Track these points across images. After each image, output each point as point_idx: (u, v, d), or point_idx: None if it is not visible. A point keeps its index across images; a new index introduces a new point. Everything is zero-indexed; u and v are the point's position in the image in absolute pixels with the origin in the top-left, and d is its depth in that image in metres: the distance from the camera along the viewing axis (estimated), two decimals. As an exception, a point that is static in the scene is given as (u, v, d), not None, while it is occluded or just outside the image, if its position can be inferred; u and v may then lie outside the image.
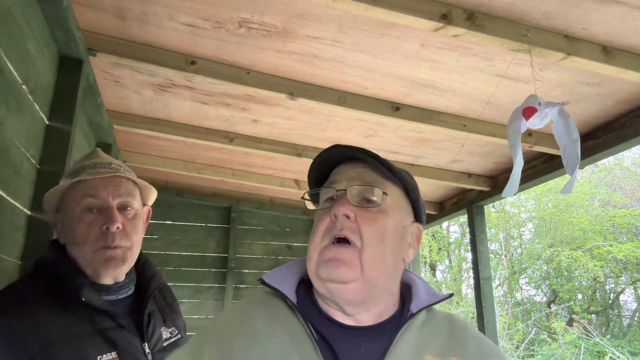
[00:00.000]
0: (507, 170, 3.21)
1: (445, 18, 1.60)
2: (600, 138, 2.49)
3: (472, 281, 4.61)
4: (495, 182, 3.35)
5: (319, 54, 1.97)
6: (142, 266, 1.23)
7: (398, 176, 0.81)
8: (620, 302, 12.95)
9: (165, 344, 1.16)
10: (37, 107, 1.62)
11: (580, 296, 12.89)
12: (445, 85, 2.18)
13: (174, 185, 4.04)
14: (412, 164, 3.21)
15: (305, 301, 0.80)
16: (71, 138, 1.77)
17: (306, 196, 0.87)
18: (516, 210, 13.73)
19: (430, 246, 13.07)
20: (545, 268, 12.97)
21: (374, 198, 0.78)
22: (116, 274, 1.12)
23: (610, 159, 13.17)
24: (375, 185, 0.79)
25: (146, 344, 1.10)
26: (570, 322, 11.36)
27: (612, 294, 12.95)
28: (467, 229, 6.89)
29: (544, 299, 13.23)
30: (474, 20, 1.63)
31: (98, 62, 2.04)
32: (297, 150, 2.95)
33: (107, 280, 1.12)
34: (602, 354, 9.85)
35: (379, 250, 0.75)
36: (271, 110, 2.51)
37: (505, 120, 2.48)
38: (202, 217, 4.21)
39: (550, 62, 1.87)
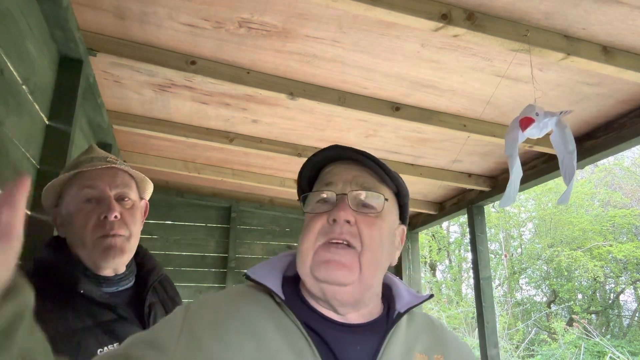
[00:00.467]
0: (507, 170, 3.20)
1: (445, 18, 1.60)
2: (600, 138, 2.49)
3: (472, 281, 4.60)
4: (495, 182, 3.35)
5: (319, 54, 1.96)
6: (142, 259, 1.25)
7: (395, 181, 0.81)
8: (620, 302, 12.96)
9: None
10: (37, 107, 1.62)
11: (580, 296, 12.89)
12: (445, 85, 2.18)
13: (174, 185, 4.04)
14: (412, 164, 3.21)
15: (293, 297, 0.78)
16: (71, 138, 1.77)
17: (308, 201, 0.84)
18: (516, 210, 13.73)
19: (430, 246, 13.07)
20: (545, 268, 12.98)
21: (374, 204, 0.78)
22: (115, 264, 1.13)
23: (610, 159, 13.17)
24: (376, 190, 0.79)
25: None
26: (570, 322, 11.36)
27: (612, 294, 12.95)
28: (467, 229, 6.89)
29: (544, 299, 13.23)
30: (474, 20, 1.63)
31: (98, 62, 2.04)
32: (297, 150, 2.95)
33: (107, 271, 1.13)
34: (602, 354, 9.85)
35: (377, 253, 0.76)
36: (271, 110, 2.51)
37: (505, 120, 2.49)
38: (202, 217, 4.21)
39: (550, 62, 1.87)
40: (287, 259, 0.85)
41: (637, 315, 12.39)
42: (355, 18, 1.72)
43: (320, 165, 0.84)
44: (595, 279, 11.95)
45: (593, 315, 12.36)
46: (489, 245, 4.27)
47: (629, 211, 12.04)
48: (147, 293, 1.17)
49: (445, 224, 13.66)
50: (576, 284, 12.61)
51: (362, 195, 0.78)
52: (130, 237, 1.15)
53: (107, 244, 1.10)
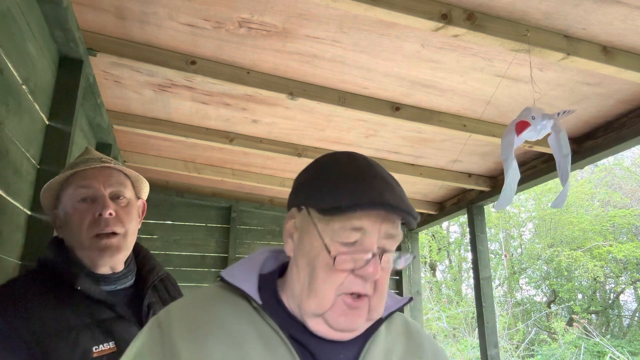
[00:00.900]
0: (507, 170, 3.21)
1: (445, 18, 1.60)
2: (600, 138, 2.49)
3: (472, 281, 4.60)
4: (495, 182, 3.35)
5: (319, 54, 1.97)
6: (142, 258, 1.26)
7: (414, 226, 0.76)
8: (620, 302, 12.96)
9: None
10: (37, 107, 1.62)
11: (580, 296, 12.89)
12: (445, 85, 2.18)
13: (174, 185, 4.04)
14: (412, 164, 3.21)
15: (270, 302, 0.75)
16: (71, 138, 1.77)
17: (335, 248, 0.70)
18: (516, 210, 13.73)
19: (430, 246, 13.07)
20: (545, 268, 12.98)
21: (399, 264, 0.74)
22: (113, 263, 1.14)
23: (610, 159, 13.17)
24: (399, 240, 0.74)
25: None
26: (570, 322, 11.36)
27: (612, 294, 12.95)
28: (467, 229, 6.90)
29: (544, 299, 13.23)
30: (474, 20, 1.63)
31: (98, 62, 2.04)
32: (297, 150, 2.95)
33: (104, 269, 1.14)
34: (602, 354, 9.85)
35: (385, 297, 0.75)
36: (271, 110, 2.51)
37: (505, 120, 2.49)
38: (202, 217, 4.21)
39: (550, 62, 1.87)
40: (264, 256, 0.82)
41: (637, 315, 12.39)
42: (355, 18, 1.72)
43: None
44: (595, 279, 11.94)
45: (593, 315, 12.36)
46: (489, 245, 4.27)
47: (629, 211, 12.04)
48: (146, 292, 1.17)
49: (445, 224, 13.66)
50: (576, 284, 12.61)
51: (394, 255, 0.73)
52: (126, 234, 1.16)
53: (103, 245, 1.12)
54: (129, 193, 1.21)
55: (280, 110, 2.52)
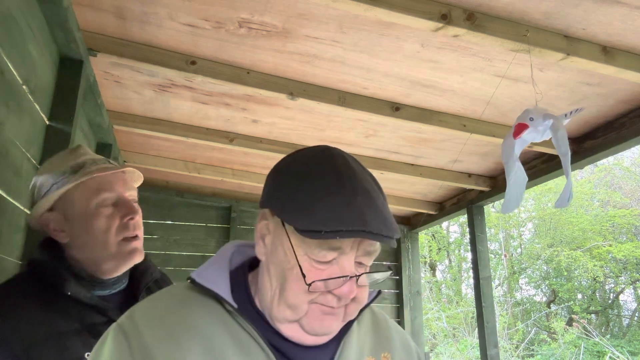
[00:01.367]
0: (507, 170, 3.21)
1: (445, 18, 1.60)
2: (600, 138, 2.50)
3: (472, 281, 4.60)
4: (495, 182, 3.36)
5: (319, 54, 1.97)
6: None
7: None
8: (620, 302, 12.96)
9: None
10: (37, 107, 1.62)
11: (580, 296, 12.90)
12: (445, 85, 2.18)
13: (174, 185, 4.04)
14: (412, 164, 3.21)
15: (244, 305, 0.72)
16: (71, 138, 1.77)
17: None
18: (516, 210, 13.72)
19: (430, 246, 13.07)
20: (545, 268, 12.98)
21: (376, 279, 0.72)
22: (132, 265, 1.14)
23: (610, 159, 13.17)
24: (383, 270, 0.73)
25: None
26: (570, 322, 11.37)
27: (611, 294, 12.96)
28: (467, 229, 6.90)
29: (544, 299, 13.24)
30: (474, 20, 1.63)
31: (98, 62, 2.04)
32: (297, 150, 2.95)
33: (116, 274, 1.12)
34: (602, 354, 9.85)
35: (362, 305, 0.73)
36: (271, 110, 2.51)
37: (505, 120, 2.49)
38: (202, 217, 4.21)
39: (550, 62, 1.88)
40: (231, 252, 0.79)
41: (636, 315, 12.39)
42: (355, 18, 1.72)
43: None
44: (595, 279, 11.95)
45: (593, 315, 12.37)
46: (488, 245, 4.27)
47: (628, 211, 12.05)
48: (140, 294, 1.15)
49: (445, 224, 13.66)
50: (576, 283, 12.62)
51: (368, 275, 0.70)
52: (142, 237, 1.17)
53: (133, 247, 1.12)
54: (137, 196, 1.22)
55: (280, 110, 2.52)
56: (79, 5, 1.71)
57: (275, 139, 2.90)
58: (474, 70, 2.03)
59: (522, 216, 13.81)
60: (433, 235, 13.17)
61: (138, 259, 1.14)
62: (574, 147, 2.66)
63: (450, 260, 14.33)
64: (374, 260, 0.74)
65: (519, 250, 13.80)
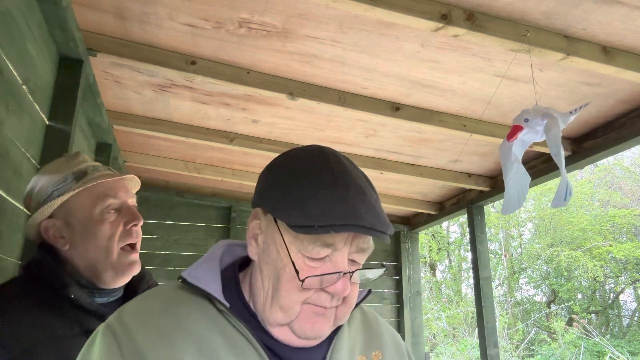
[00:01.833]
0: (507, 170, 3.21)
1: (445, 18, 1.60)
2: (600, 138, 2.50)
3: (472, 281, 4.60)
4: (495, 182, 3.35)
5: (319, 54, 1.97)
6: None
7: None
8: (620, 302, 12.97)
9: None
10: (37, 107, 1.62)
11: (580, 296, 12.90)
12: (445, 85, 2.18)
13: (174, 185, 4.04)
14: (412, 164, 3.21)
15: (236, 304, 0.71)
16: (71, 138, 1.77)
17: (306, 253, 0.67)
18: (517, 211, 13.71)
19: (430, 246, 13.07)
20: (545, 268, 12.99)
21: (369, 277, 0.72)
22: (130, 277, 1.14)
23: (610, 159, 13.18)
24: (369, 253, 0.72)
25: None
26: (570, 322, 11.37)
27: (611, 294, 12.96)
28: (467, 229, 6.89)
29: (544, 299, 13.24)
30: (474, 20, 1.63)
31: (98, 62, 2.04)
32: (297, 150, 2.95)
33: (117, 284, 1.12)
34: (602, 354, 9.85)
35: (352, 307, 0.73)
36: (271, 110, 2.51)
37: (505, 120, 2.49)
38: (202, 217, 4.21)
39: (550, 62, 1.88)
40: (221, 251, 0.79)
41: (636, 315, 12.39)
42: (355, 18, 1.72)
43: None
44: (595, 279, 11.95)
45: (593, 315, 12.37)
46: (488, 245, 4.27)
47: (628, 211, 12.05)
48: None
49: (445, 224, 13.66)
50: (576, 283, 12.62)
51: (362, 272, 0.70)
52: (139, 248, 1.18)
53: (131, 260, 1.12)
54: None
55: (280, 110, 2.52)
56: (79, 5, 1.71)
57: (275, 139, 2.90)
58: (474, 70, 2.03)
59: (522, 216, 13.81)
60: (433, 235, 13.17)
61: (136, 270, 1.14)
62: (574, 147, 2.66)
63: (450, 260, 14.33)
64: (369, 261, 0.74)
65: (519, 250, 13.80)
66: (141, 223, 1.15)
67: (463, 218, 10.18)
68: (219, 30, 1.83)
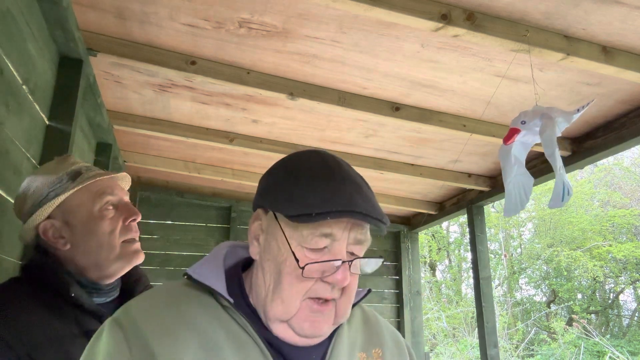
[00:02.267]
0: (507, 170, 3.21)
1: (445, 18, 1.60)
2: (600, 138, 2.50)
3: (472, 281, 4.60)
4: (495, 182, 3.35)
5: (319, 54, 1.97)
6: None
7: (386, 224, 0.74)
8: (620, 301, 12.97)
9: None
10: (37, 107, 1.62)
11: (579, 296, 12.90)
12: (445, 85, 2.18)
13: (174, 185, 4.04)
14: (412, 164, 3.21)
15: (238, 300, 0.73)
16: (71, 138, 1.77)
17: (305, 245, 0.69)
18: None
19: (430, 246, 13.08)
20: (545, 268, 12.99)
21: (367, 269, 0.73)
22: (133, 266, 1.16)
23: (610, 159, 13.18)
24: (367, 246, 0.74)
25: None
26: (569, 322, 11.37)
27: (611, 294, 12.96)
28: (467, 229, 6.90)
29: (544, 299, 13.24)
30: (474, 20, 1.63)
31: (98, 62, 2.04)
32: (297, 150, 2.95)
33: (121, 274, 1.14)
34: (602, 354, 9.86)
35: (352, 301, 0.74)
36: (271, 110, 2.51)
37: (505, 120, 2.49)
38: (202, 217, 4.21)
39: (550, 62, 1.88)
40: (224, 251, 0.80)
41: (636, 315, 12.40)
42: (355, 18, 1.72)
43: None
44: (594, 279, 11.96)
45: (592, 315, 12.37)
46: (488, 245, 4.27)
47: (628, 211, 12.05)
48: None
49: (445, 224, 13.66)
50: (576, 283, 12.62)
51: (362, 261, 0.72)
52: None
53: (135, 248, 1.14)
54: None
55: (280, 110, 2.52)
56: (79, 5, 1.71)
57: (275, 139, 2.90)
58: (474, 70, 2.03)
59: (522, 216, 13.81)
60: (433, 235, 13.17)
61: (140, 259, 1.16)
62: (574, 147, 2.66)
63: (450, 260, 14.33)
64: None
65: (519, 250, 13.80)
66: (139, 218, 1.16)
67: (463, 218, 10.18)
68: (219, 30, 1.83)
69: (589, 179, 13.68)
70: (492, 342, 3.29)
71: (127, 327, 0.66)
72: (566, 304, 12.37)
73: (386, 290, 4.55)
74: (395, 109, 2.36)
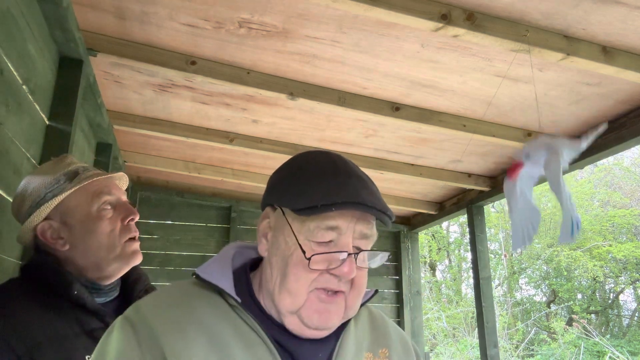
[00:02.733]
0: (507, 171, 3.21)
1: (445, 18, 1.60)
2: (600, 138, 2.49)
3: (472, 281, 4.60)
4: (495, 182, 3.35)
5: (319, 54, 1.97)
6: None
7: (390, 217, 0.74)
8: (620, 301, 12.97)
9: None
10: (37, 107, 1.62)
11: (579, 296, 12.90)
12: (445, 85, 2.18)
13: (174, 185, 4.04)
14: (412, 164, 3.21)
15: (246, 299, 0.74)
16: (71, 138, 1.77)
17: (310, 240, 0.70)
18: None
19: (430, 246, 13.07)
20: (545, 268, 12.98)
21: (374, 263, 0.74)
22: (133, 265, 1.16)
23: (610, 159, 13.18)
24: (373, 239, 0.75)
25: None
26: (569, 322, 11.37)
27: (611, 294, 12.96)
28: (467, 229, 6.89)
29: (544, 299, 13.24)
30: (474, 20, 1.63)
31: (98, 62, 2.04)
32: (297, 150, 2.95)
33: (121, 274, 1.14)
34: (602, 354, 9.85)
35: (362, 294, 0.75)
36: (271, 110, 2.51)
37: (505, 120, 2.50)
38: (202, 217, 4.21)
39: (550, 62, 1.88)
40: (233, 252, 0.82)
41: (636, 315, 12.39)
42: (355, 18, 1.72)
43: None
44: (594, 279, 11.95)
45: (592, 315, 12.37)
46: (488, 245, 4.27)
47: (628, 211, 12.05)
48: (133, 302, 1.16)
49: (445, 224, 13.66)
50: (576, 283, 12.62)
51: (367, 254, 0.73)
52: None
53: (134, 248, 1.14)
54: None
55: (280, 111, 2.52)
56: (79, 5, 1.71)
57: (276, 139, 2.90)
58: (474, 70, 2.03)
59: (522, 216, 13.78)
60: (433, 235, 13.17)
61: (139, 259, 1.16)
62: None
63: (450, 260, 14.33)
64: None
65: (518, 250, 13.80)
66: (137, 217, 1.16)
67: (463, 218, 10.18)
68: (219, 30, 1.83)
69: (589, 179, 13.68)
70: (492, 342, 3.29)
71: (137, 325, 0.67)
72: (566, 304, 12.37)
73: (386, 290, 4.55)
74: (395, 109, 2.36)
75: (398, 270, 4.59)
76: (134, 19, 1.80)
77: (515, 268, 12.96)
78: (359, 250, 0.72)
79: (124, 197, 1.18)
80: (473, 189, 3.56)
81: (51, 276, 1.04)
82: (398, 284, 4.57)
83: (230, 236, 4.20)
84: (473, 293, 3.85)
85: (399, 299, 4.54)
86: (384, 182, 3.59)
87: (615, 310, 12.79)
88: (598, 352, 10.15)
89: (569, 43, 1.74)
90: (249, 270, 0.80)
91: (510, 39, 1.67)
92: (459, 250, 13.98)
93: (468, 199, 3.65)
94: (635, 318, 12.37)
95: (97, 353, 0.68)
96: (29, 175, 1.16)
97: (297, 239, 0.70)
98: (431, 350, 10.91)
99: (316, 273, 0.69)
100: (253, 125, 2.73)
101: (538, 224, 1.53)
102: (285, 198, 0.72)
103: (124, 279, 1.20)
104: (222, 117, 2.64)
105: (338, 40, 1.86)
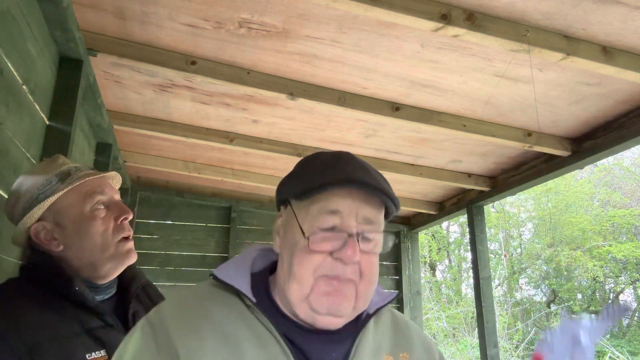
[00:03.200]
0: (507, 170, 3.21)
1: (445, 18, 1.60)
2: (600, 138, 2.49)
3: (471, 281, 4.60)
4: (495, 182, 3.35)
5: (319, 54, 1.97)
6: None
7: (396, 205, 0.75)
8: (620, 301, 12.96)
9: None
10: (37, 107, 1.62)
11: (579, 296, 12.90)
12: (445, 85, 2.18)
13: (174, 185, 4.04)
14: (412, 164, 3.21)
15: (262, 299, 0.75)
16: (71, 138, 1.77)
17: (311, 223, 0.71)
18: (516, 210, 13.73)
19: (430, 246, 13.07)
20: (545, 268, 12.98)
21: (376, 238, 0.74)
22: (127, 265, 1.16)
23: (610, 159, 13.18)
24: (379, 224, 0.74)
25: None
26: (569, 322, 11.35)
27: (611, 294, 12.96)
28: (467, 229, 6.89)
29: (544, 299, 13.24)
30: (474, 20, 1.63)
31: (98, 62, 2.04)
32: (297, 150, 2.95)
33: (115, 274, 1.13)
34: (602, 354, 9.85)
35: (373, 283, 0.75)
36: (271, 110, 2.51)
37: (504, 120, 2.49)
38: (202, 217, 4.21)
39: (550, 62, 1.88)
40: (254, 255, 0.83)
41: (636, 315, 12.40)
42: (355, 18, 1.72)
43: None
44: (594, 279, 11.95)
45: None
46: (488, 245, 4.27)
47: (628, 211, 12.05)
48: (130, 301, 1.15)
49: (445, 224, 13.66)
50: (576, 283, 12.62)
51: (370, 235, 0.73)
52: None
53: (128, 248, 1.14)
54: None
55: (280, 111, 2.52)
56: (79, 5, 1.71)
57: (276, 139, 2.90)
58: (473, 70, 2.03)
59: (522, 216, 13.82)
60: (433, 235, 13.17)
61: (133, 258, 1.15)
62: (574, 147, 2.65)
63: (450, 260, 14.33)
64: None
65: (519, 250, 13.80)
66: (130, 216, 1.16)
67: (463, 218, 10.18)
68: (219, 30, 1.83)
69: (589, 179, 13.69)
70: (492, 342, 3.29)
71: (155, 325, 0.70)
72: (566, 304, 12.37)
73: (386, 291, 4.55)
74: (395, 109, 2.36)
75: (398, 270, 4.59)
76: (134, 19, 1.80)
77: (515, 268, 12.97)
78: (365, 240, 0.73)
79: (117, 197, 1.18)
80: (473, 189, 3.56)
81: (51, 275, 1.04)
82: (398, 284, 4.57)
83: (230, 236, 4.20)
84: (473, 293, 3.85)
85: (399, 299, 4.54)
86: (384, 182, 3.59)
87: (615, 310, 12.77)
88: (598, 352, 10.15)
89: (569, 43, 1.74)
90: (268, 273, 0.81)
91: (510, 39, 1.67)
92: (459, 250, 13.98)
93: (468, 199, 3.65)
94: (635, 318, 12.37)
95: (118, 351, 0.71)
96: (21, 176, 1.15)
97: (300, 226, 0.72)
98: (431, 350, 10.88)
99: (320, 258, 0.70)
100: (253, 125, 2.73)
101: None
102: (289, 189, 0.77)
103: (120, 277, 1.20)
104: (222, 117, 2.64)
105: (338, 40, 1.86)
